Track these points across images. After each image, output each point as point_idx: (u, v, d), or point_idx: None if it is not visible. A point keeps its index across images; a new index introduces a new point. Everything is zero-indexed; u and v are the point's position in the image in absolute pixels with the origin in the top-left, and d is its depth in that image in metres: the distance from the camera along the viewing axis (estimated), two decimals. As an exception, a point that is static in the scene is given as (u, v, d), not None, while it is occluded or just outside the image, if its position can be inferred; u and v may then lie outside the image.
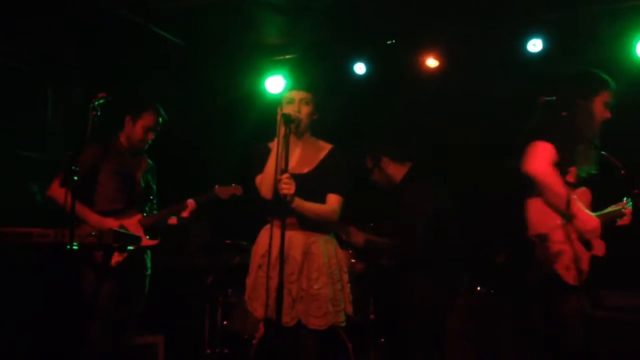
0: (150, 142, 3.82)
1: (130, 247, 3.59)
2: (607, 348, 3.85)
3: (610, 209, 3.11)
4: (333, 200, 3.06)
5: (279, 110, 3.07)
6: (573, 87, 3.03)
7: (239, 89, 5.83)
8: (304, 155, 3.12)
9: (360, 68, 5.60)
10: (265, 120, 3.17)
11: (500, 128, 5.20)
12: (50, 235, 3.28)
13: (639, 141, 4.24)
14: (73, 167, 3.01)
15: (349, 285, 3.12)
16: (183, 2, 4.81)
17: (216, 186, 3.76)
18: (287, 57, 5.68)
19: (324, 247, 3.03)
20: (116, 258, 3.50)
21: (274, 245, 2.89)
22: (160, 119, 3.82)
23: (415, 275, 3.84)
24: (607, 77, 3.12)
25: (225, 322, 4.76)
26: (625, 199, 3.13)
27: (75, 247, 3.08)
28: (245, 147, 3.42)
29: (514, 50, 5.08)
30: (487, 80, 5.15)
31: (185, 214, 3.69)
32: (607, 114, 3.08)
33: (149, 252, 3.80)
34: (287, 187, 2.82)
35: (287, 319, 2.89)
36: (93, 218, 3.54)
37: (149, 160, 3.93)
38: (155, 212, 3.83)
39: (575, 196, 2.86)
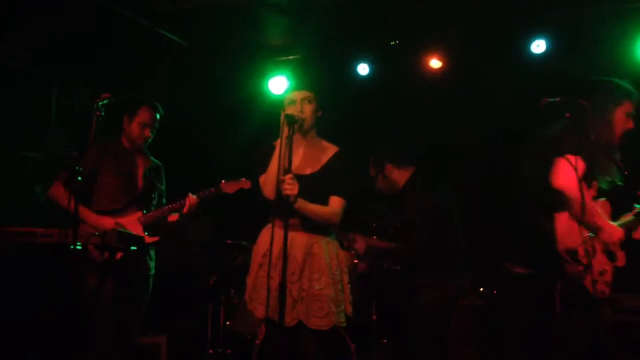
0: (149, 139, 3.80)
1: (133, 247, 3.62)
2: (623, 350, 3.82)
3: (625, 218, 3.05)
4: (335, 203, 3.06)
5: (282, 112, 3.08)
6: (594, 97, 2.95)
7: (242, 89, 5.83)
8: (307, 156, 3.12)
9: (363, 69, 5.60)
10: (268, 120, 3.17)
11: (504, 129, 5.21)
12: (53, 235, 3.30)
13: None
14: (77, 168, 3.02)
15: (349, 286, 3.11)
16: (187, 3, 4.82)
17: (222, 181, 3.72)
18: (290, 57, 5.69)
19: (326, 248, 3.03)
20: (116, 258, 3.46)
21: (275, 245, 2.89)
22: (158, 115, 3.80)
23: (417, 277, 3.83)
24: (629, 87, 3.05)
25: (227, 323, 4.76)
26: (635, 205, 3.07)
27: (78, 247, 3.09)
28: (249, 147, 3.43)
29: (518, 51, 5.07)
30: (491, 81, 5.15)
31: (184, 210, 3.65)
32: (630, 125, 3.01)
33: (152, 251, 3.78)
34: (290, 188, 2.82)
35: (288, 320, 2.89)
36: (90, 217, 3.53)
37: (154, 160, 3.92)
38: (162, 206, 3.81)
39: (599, 209, 2.87)
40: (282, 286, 2.71)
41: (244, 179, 3.69)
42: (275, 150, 2.97)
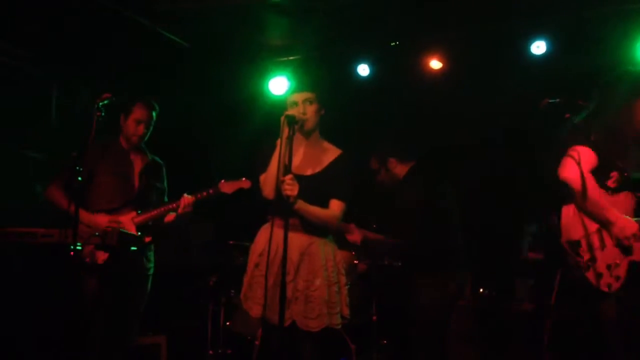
0: (145, 136, 3.75)
1: (133, 248, 3.62)
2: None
3: None
4: (335, 206, 3.05)
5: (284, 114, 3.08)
6: (613, 89, 2.95)
7: (243, 90, 5.84)
8: (308, 157, 3.12)
9: (363, 69, 5.60)
10: (269, 121, 3.17)
11: (504, 130, 5.22)
12: (54, 235, 3.31)
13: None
14: (77, 168, 3.02)
15: (346, 287, 3.10)
16: (187, 3, 4.82)
17: (222, 180, 3.66)
18: (291, 58, 5.69)
19: (322, 249, 3.02)
20: (102, 257, 3.46)
21: (272, 245, 2.90)
22: (154, 113, 3.76)
23: (417, 277, 3.84)
24: None
25: (227, 323, 4.77)
26: None
27: (78, 247, 3.09)
28: (250, 148, 3.42)
29: (518, 52, 5.07)
30: (491, 82, 5.15)
31: (179, 211, 3.62)
32: None
33: (151, 252, 3.77)
34: (290, 189, 2.82)
35: (283, 320, 2.87)
36: (84, 216, 3.48)
37: (154, 158, 3.89)
38: (158, 206, 3.75)
39: (608, 202, 2.82)
40: (282, 286, 2.71)
41: (244, 178, 3.64)
42: (276, 150, 2.97)
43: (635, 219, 2.91)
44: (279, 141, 2.91)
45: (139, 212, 3.66)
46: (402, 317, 3.99)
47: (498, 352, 4.59)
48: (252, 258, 3.10)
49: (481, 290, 4.95)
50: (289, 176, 2.82)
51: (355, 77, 5.62)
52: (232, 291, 4.76)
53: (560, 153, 2.89)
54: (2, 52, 4.43)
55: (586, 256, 2.78)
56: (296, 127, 2.92)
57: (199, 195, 3.65)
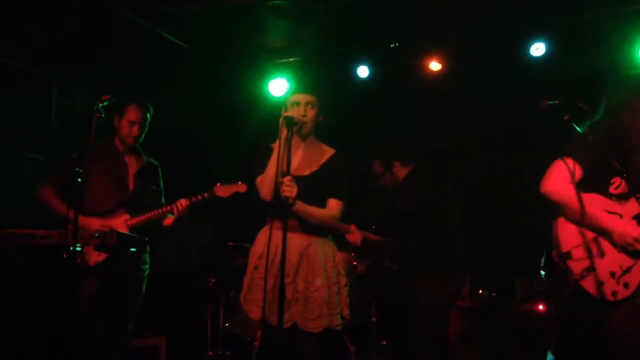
0: (139, 137, 3.72)
1: (133, 249, 3.61)
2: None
3: None
4: (333, 205, 3.05)
5: (283, 111, 3.08)
6: (615, 92, 2.92)
7: (242, 91, 5.84)
8: (305, 158, 3.12)
9: (363, 71, 5.60)
10: (268, 122, 3.17)
11: (504, 131, 5.23)
12: (53, 236, 3.30)
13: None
14: (77, 169, 3.01)
15: (346, 288, 3.10)
16: (187, 4, 4.82)
17: (217, 184, 3.62)
18: (291, 60, 5.69)
19: (321, 250, 3.02)
20: (95, 258, 3.43)
21: (271, 247, 2.90)
22: (148, 114, 3.72)
23: (417, 277, 3.84)
24: None
25: (227, 324, 4.77)
26: None
27: (78, 249, 3.09)
28: (249, 149, 3.42)
29: (517, 54, 5.08)
30: (490, 83, 5.16)
31: (174, 214, 3.59)
32: None
33: (146, 254, 3.73)
34: (289, 190, 2.82)
35: (283, 322, 2.87)
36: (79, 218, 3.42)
37: (149, 160, 3.85)
38: (152, 210, 3.70)
39: (600, 212, 2.76)
40: (281, 288, 2.71)
41: (240, 182, 3.59)
42: (274, 151, 2.97)
43: None
44: (277, 142, 2.92)
45: (133, 215, 3.62)
46: (402, 318, 4.00)
47: (498, 353, 4.59)
48: (252, 260, 3.10)
49: (481, 291, 4.95)
50: (288, 177, 2.82)
51: (354, 78, 5.62)
52: (232, 292, 4.76)
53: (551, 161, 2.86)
54: (2, 52, 4.43)
55: (580, 266, 2.73)
56: (295, 128, 2.92)
57: (194, 199, 3.60)
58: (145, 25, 4.91)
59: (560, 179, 2.77)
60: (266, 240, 2.92)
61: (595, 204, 2.77)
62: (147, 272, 3.72)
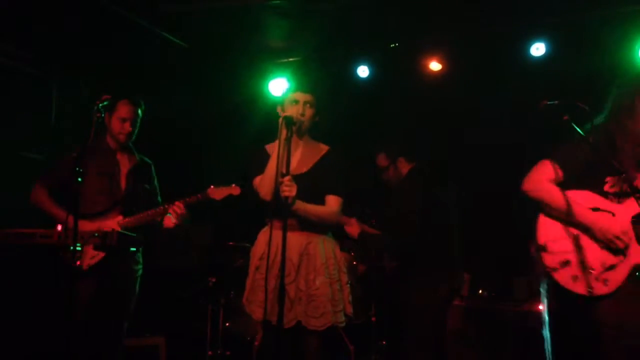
0: (132, 135, 3.62)
1: (133, 249, 3.60)
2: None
3: None
4: (332, 202, 3.06)
5: (279, 110, 3.08)
6: (620, 92, 2.92)
7: (243, 91, 5.85)
8: (303, 157, 3.13)
9: (363, 71, 5.61)
10: (268, 122, 3.17)
11: (503, 131, 5.23)
12: (52, 236, 3.30)
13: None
14: (77, 169, 3.01)
15: (348, 286, 3.10)
16: (188, 5, 4.83)
17: (211, 186, 3.53)
18: (291, 59, 5.70)
19: (322, 248, 3.03)
20: (87, 262, 3.38)
21: (272, 247, 2.90)
22: (139, 110, 3.63)
23: (412, 277, 3.85)
24: None
25: (227, 324, 4.77)
26: None
27: (78, 248, 3.09)
28: (249, 149, 3.41)
29: (517, 54, 5.08)
30: (490, 83, 5.16)
31: (173, 216, 3.50)
32: None
33: (139, 254, 3.69)
34: (289, 189, 2.83)
35: (286, 321, 2.87)
36: (70, 220, 3.27)
37: (142, 158, 3.77)
38: (145, 210, 3.61)
39: (582, 209, 2.78)
40: (281, 288, 2.71)
41: (233, 184, 3.51)
42: (274, 152, 2.97)
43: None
44: (274, 144, 2.91)
45: (125, 215, 3.54)
46: (402, 318, 4.00)
47: (497, 353, 4.59)
48: (253, 262, 3.10)
49: (480, 291, 4.95)
50: (288, 177, 2.82)
51: (354, 78, 5.63)
52: (232, 292, 4.77)
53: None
54: (2, 53, 4.44)
55: (555, 259, 2.77)
56: (294, 128, 2.93)
57: (187, 200, 3.53)
58: (146, 25, 4.92)
59: (538, 178, 2.85)
60: (267, 240, 2.92)
61: (584, 201, 2.80)
62: (140, 272, 3.67)
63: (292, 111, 3.00)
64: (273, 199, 2.90)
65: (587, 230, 2.77)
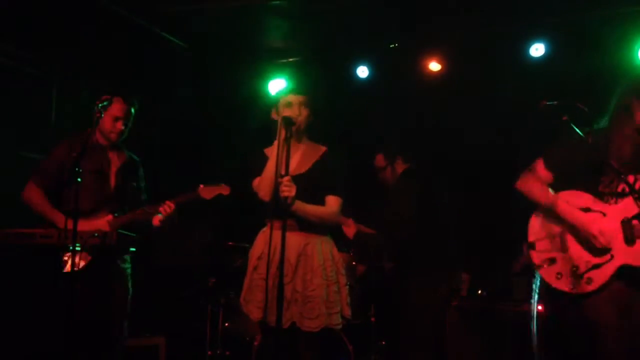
0: (123, 133, 3.56)
1: (133, 249, 3.60)
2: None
3: None
4: (332, 202, 3.06)
5: (273, 113, 3.08)
6: (620, 93, 2.96)
7: (242, 91, 5.85)
8: (302, 158, 3.12)
9: (362, 71, 5.61)
10: (268, 122, 3.16)
11: (503, 131, 5.23)
12: (53, 236, 3.29)
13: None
14: (77, 169, 3.01)
15: (346, 287, 3.10)
16: (188, 5, 4.83)
17: (200, 185, 3.49)
18: (290, 60, 5.70)
19: (319, 249, 3.02)
20: (83, 263, 3.33)
21: (271, 247, 2.90)
22: (132, 109, 3.57)
23: (410, 277, 3.85)
24: None
25: (226, 324, 4.77)
26: None
27: (77, 248, 3.09)
28: (249, 148, 3.40)
29: (517, 54, 5.09)
30: (489, 84, 5.17)
31: (163, 215, 3.45)
32: None
33: (128, 252, 3.63)
34: (288, 190, 2.83)
35: (282, 321, 2.87)
36: (62, 221, 3.25)
37: (130, 155, 3.71)
38: (135, 210, 3.57)
39: (569, 208, 2.84)
40: (280, 288, 2.71)
41: (222, 184, 3.48)
42: (272, 152, 2.97)
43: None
44: (273, 145, 2.91)
45: (116, 214, 3.49)
46: (401, 318, 4.01)
47: (497, 353, 4.59)
48: (251, 261, 3.10)
49: (480, 291, 4.95)
50: (287, 177, 2.82)
51: (354, 78, 5.63)
52: (231, 292, 4.77)
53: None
54: (2, 53, 4.44)
55: (542, 256, 2.87)
56: (293, 128, 2.93)
57: (178, 200, 3.48)
58: (145, 25, 4.92)
59: (528, 177, 2.95)
60: (266, 240, 2.92)
61: (575, 201, 2.86)
62: (129, 271, 3.60)
63: (287, 113, 2.99)
64: (272, 200, 2.90)
65: (572, 228, 2.84)
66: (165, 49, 5.22)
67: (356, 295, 4.41)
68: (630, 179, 2.78)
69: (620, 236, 2.78)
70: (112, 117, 3.49)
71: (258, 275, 3.02)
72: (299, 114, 3.03)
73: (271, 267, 2.93)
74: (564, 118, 2.84)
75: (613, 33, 4.65)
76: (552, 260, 2.85)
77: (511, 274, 4.74)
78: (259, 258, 3.04)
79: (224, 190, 3.49)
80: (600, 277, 2.77)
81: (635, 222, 2.77)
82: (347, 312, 3.06)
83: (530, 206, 3.04)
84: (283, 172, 2.84)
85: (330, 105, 3.27)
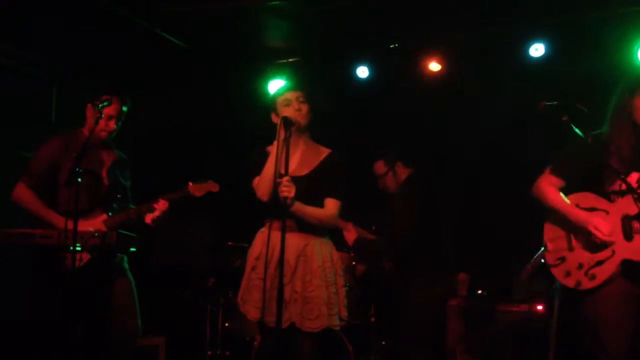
0: (114, 132, 3.53)
1: (133, 249, 3.60)
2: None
3: None
4: (332, 205, 3.04)
5: (273, 117, 3.07)
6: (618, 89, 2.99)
7: (242, 91, 5.85)
8: (303, 158, 3.11)
9: (362, 71, 5.61)
10: (268, 122, 3.16)
11: (502, 131, 5.23)
12: (53, 236, 3.29)
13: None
14: (77, 169, 3.01)
15: (344, 289, 3.09)
16: (189, 5, 4.83)
17: (189, 183, 3.47)
18: (290, 60, 5.70)
19: (319, 250, 3.02)
20: (83, 263, 3.30)
21: (269, 248, 2.90)
22: (124, 107, 3.53)
23: (408, 277, 3.86)
24: None
25: (226, 324, 4.78)
26: None
27: (78, 249, 3.09)
28: (249, 149, 3.40)
29: (516, 55, 5.09)
30: (489, 84, 5.17)
31: (156, 213, 3.42)
32: None
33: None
34: (287, 190, 2.82)
35: (281, 322, 2.87)
36: (59, 221, 3.26)
37: (120, 153, 3.68)
38: (129, 208, 3.58)
39: (574, 210, 2.89)
40: (279, 288, 2.71)
41: (211, 181, 3.47)
42: (272, 152, 2.96)
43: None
44: (273, 145, 2.91)
45: (110, 213, 3.47)
46: (401, 318, 4.01)
47: (497, 353, 4.60)
48: (249, 262, 3.09)
49: (479, 291, 4.96)
50: (286, 178, 2.82)
51: (354, 79, 5.63)
52: (231, 292, 4.77)
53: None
54: (2, 53, 4.44)
55: (555, 256, 2.96)
56: (293, 128, 2.92)
57: (167, 197, 3.45)
58: (145, 25, 4.92)
59: (540, 183, 3.01)
60: (264, 241, 2.92)
61: (583, 202, 2.92)
62: (126, 265, 3.58)
63: (287, 112, 2.98)
64: (271, 200, 2.89)
65: (577, 227, 2.91)
66: (165, 49, 5.22)
67: (356, 295, 4.41)
68: (634, 176, 2.82)
69: (620, 232, 2.82)
70: (106, 115, 3.45)
71: (256, 275, 3.01)
72: (298, 109, 3.02)
73: (269, 267, 2.93)
74: (564, 118, 2.86)
75: (613, 33, 4.66)
76: (562, 259, 2.93)
77: (511, 275, 4.75)
78: (257, 258, 3.03)
79: (213, 187, 3.48)
80: (603, 273, 2.81)
81: (635, 222, 2.80)
82: (344, 313, 3.06)
83: (531, 207, 3.06)
84: (282, 172, 2.84)
85: (330, 106, 3.26)
